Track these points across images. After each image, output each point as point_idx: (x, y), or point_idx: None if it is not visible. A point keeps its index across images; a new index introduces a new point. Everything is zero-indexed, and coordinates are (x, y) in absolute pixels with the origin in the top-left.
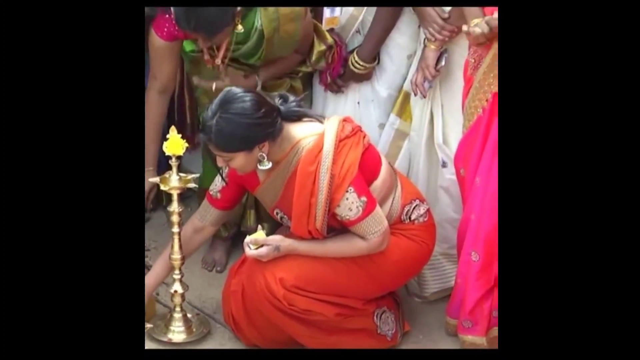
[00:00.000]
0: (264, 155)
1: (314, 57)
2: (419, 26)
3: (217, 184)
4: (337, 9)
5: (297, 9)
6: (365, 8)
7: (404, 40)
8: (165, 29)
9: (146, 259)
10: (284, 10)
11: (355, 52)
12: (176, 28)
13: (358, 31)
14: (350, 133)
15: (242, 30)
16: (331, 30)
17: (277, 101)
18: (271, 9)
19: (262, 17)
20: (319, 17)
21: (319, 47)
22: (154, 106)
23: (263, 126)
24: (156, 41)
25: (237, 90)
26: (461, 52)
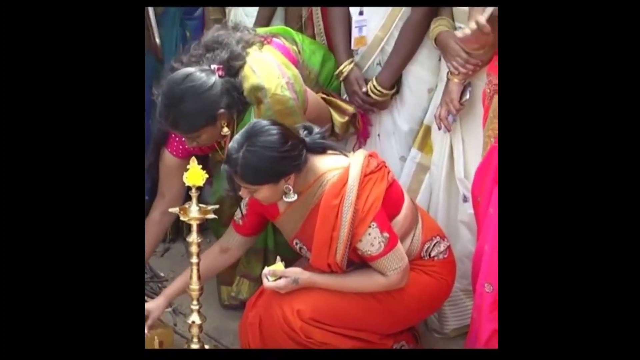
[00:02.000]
0: (290, 187)
1: (339, 130)
2: (440, 59)
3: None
4: (365, 28)
5: (291, 104)
6: (391, 30)
7: (425, 74)
8: (181, 148)
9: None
10: (277, 106)
11: (374, 78)
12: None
13: (379, 63)
14: (376, 168)
15: (228, 132)
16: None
17: (302, 132)
18: (263, 107)
19: (255, 116)
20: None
21: (341, 120)
22: (156, 225)
23: (289, 159)
24: (169, 160)
25: (263, 122)
26: (483, 85)
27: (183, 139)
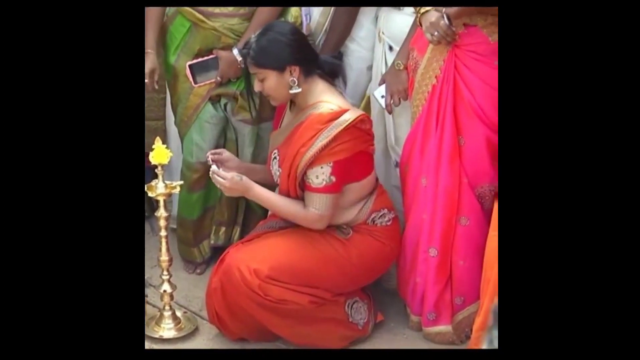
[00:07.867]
0: (295, 80)
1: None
2: (380, 41)
3: None
4: (307, 16)
5: None
6: (329, 16)
7: (364, 53)
8: None
9: None
10: None
11: None
12: None
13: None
14: (365, 129)
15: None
16: None
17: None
18: None
19: None
20: None
21: None
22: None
23: (295, 49)
24: None
25: (282, 20)
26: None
27: None
